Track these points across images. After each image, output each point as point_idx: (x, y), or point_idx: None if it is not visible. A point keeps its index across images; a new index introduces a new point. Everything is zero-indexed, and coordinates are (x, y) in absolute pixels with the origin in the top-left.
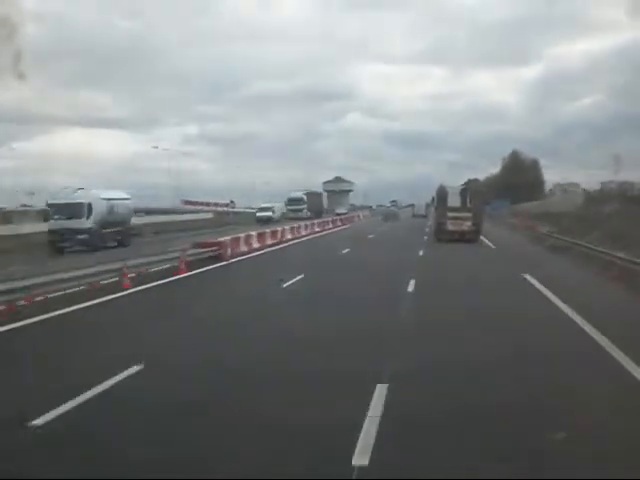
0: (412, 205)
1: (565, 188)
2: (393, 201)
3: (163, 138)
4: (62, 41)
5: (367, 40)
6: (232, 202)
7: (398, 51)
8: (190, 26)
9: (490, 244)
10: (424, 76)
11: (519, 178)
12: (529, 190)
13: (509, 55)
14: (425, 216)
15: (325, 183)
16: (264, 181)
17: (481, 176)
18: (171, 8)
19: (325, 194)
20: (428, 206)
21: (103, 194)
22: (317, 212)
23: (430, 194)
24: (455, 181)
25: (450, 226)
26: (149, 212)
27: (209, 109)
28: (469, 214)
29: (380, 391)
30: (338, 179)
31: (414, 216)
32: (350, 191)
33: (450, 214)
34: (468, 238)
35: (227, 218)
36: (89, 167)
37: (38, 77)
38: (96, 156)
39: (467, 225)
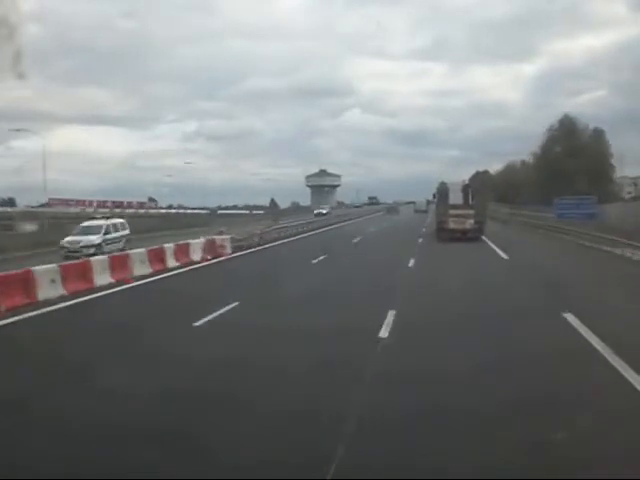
0: (413, 202)
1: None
2: (372, 197)
3: (161, 135)
4: (60, 39)
5: (366, 36)
6: (153, 200)
7: (397, 47)
8: (188, 23)
9: None
10: (424, 72)
11: (577, 161)
12: (592, 181)
13: (509, 51)
14: (426, 211)
15: (308, 177)
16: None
17: (491, 169)
18: (169, 5)
19: None
20: (429, 203)
21: None
22: None
23: (430, 190)
24: (457, 177)
25: (452, 224)
26: None
27: (207, 106)
28: (471, 211)
29: None
30: (323, 172)
31: (416, 212)
32: (337, 186)
33: (451, 212)
34: (470, 237)
35: None
36: (85, 165)
37: (36, 75)
38: (94, 154)
39: (469, 223)
